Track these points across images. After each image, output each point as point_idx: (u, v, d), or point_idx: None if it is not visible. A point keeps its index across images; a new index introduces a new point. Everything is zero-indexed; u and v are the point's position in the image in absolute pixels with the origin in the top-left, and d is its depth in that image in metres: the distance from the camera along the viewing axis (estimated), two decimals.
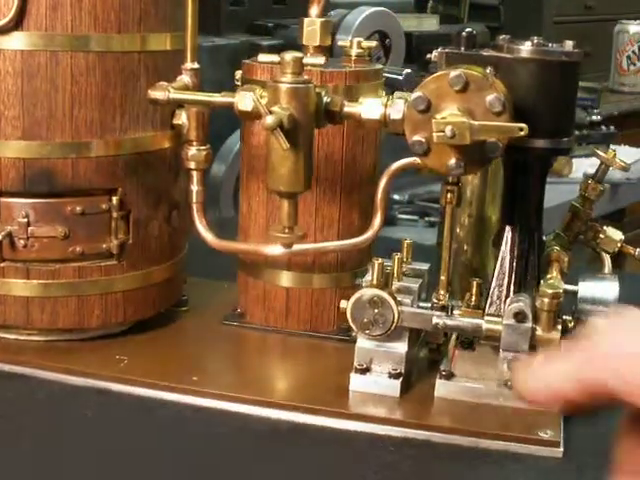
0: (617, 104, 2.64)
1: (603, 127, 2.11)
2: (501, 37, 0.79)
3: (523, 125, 0.67)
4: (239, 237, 0.92)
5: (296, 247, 0.85)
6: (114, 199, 0.82)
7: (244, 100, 0.72)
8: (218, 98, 0.76)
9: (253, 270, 0.91)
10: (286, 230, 0.74)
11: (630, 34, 2.82)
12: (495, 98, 0.69)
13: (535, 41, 0.77)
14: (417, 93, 0.70)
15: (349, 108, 0.73)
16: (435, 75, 0.71)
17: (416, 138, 0.71)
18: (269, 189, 0.74)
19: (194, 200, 0.84)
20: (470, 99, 0.70)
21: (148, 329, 0.88)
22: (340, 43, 0.89)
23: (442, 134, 0.68)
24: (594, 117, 2.06)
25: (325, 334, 0.89)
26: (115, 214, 0.82)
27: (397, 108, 0.72)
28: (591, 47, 2.33)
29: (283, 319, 0.90)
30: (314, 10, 0.87)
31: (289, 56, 0.70)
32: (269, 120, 0.66)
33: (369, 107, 0.73)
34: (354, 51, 0.87)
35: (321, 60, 0.78)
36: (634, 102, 2.74)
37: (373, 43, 0.89)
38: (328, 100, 0.73)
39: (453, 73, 0.70)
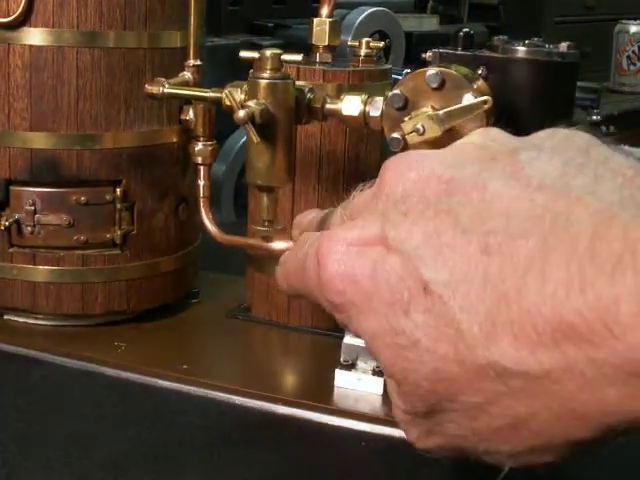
0: (617, 104, 2.57)
1: (603, 127, 2.06)
2: (496, 37, 0.79)
3: (487, 98, 0.67)
4: (248, 232, 0.93)
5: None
6: (118, 190, 0.85)
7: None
8: (209, 94, 0.78)
9: (259, 265, 0.92)
10: (266, 223, 0.75)
11: (630, 34, 2.76)
12: (471, 97, 0.69)
13: (531, 42, 0.77)
14: (395, 91, 0.71)
15: (330, 105, 0.74)
16: (413, 73, 0.71)
17: (394, 136, 0.71)
18: (248, 182, 0.75)
19: (201, 194, 0.86)
20: (447, 97, 0.70)
21: (153, 318, 0.91)
22: (350, 43, 0.90)
23: (414, 134, 0.68)
24: (594, 117, 2.01)
25: (326, 331, 0.90)
26: (119, 205, 0.85)
27: (376, 105, 0.73)
28: (591, 47, 2.27)
29: (285, 314, 0.91)
30: (325, 10, 0.88)
31: (268, 52, 0.71)
32: (240, 114, 0.68)
33: (349, 104, 0.74)
34: (363, 51, 0.88)
35: (298, 57, 0.79)
36: (634, 102, 2.68)
37: (381, 43, 0.89)
38: (311, 96, 0.74)
39: (430, 71, 0.70)
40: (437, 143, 0.70)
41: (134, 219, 0.87)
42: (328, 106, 0.74)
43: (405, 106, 0.71)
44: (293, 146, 0.73)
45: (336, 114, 0.74)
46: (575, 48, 0.77)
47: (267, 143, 0.71)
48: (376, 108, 0.72)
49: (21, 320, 0.88)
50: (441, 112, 0.67)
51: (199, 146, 0.84)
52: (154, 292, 0.90)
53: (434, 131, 0.67)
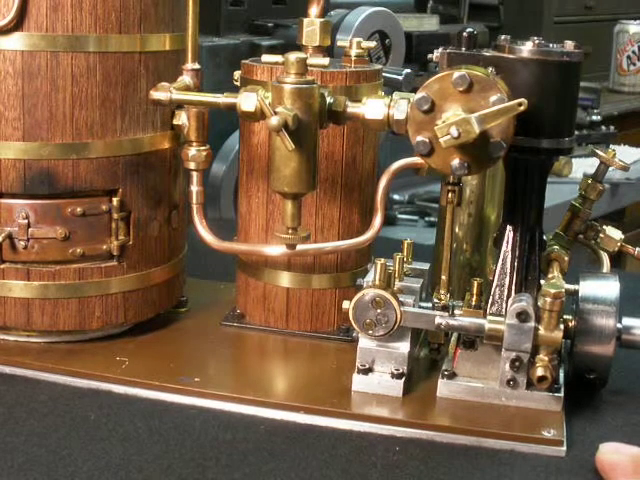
0: (617, 104, 2.63)
1: (603, 127, 2.11)
2: (502, 37, 0.79)
3: (522, 100, 0.67)
4: (238, 237, 0.92)
5: (297, 247, 0.85)
6: (114, 200, 0.82)
7: (248, 101, 0.72)
8: (221, 99, 0.76)
9: (253, 271, 0.91)
10: (290, 231, 0.74)
11: (630, 34, 2.82)
12: (499, 99, 0.69)
13: (536, 41, 0.77)
14: (421, 94, 0.70)
15: (352, 109, 0.73)
16: (439, 75, 0.70)
17: (420, 139, 0.71)
18: (273, 190, 0.74)
19: (194, 201, 0.84)
20: (474, 99, 0.70)
21: (148, 330, 0.88)
22: (340, 43, 0.89)
23: (448, 137, 0.68)
24: (594, 117, 2.06)
25: (325, 334, 0.90)
26: (116, 215, 0.82)
27: (400, 109, 0.72)
28: (591, 47, 2.32)
29: (283, 320, 0.90)
30: (313, 10, 0.87)
31: (293, 56, 0.70)
32: (274, 121, 0.66)
33: (372, 108, 0.73)
34: (354, 51, 0.87)
35: (325, 61, 0.78)
36: (634, 102, 2.75)
37: (372, 43, 0.89)
38: (331, 101, 0.73)
39: (457, 74, 0.70)
40: (463, 147, 0.70)
41: (130, 229, 0.84)
42: (350, 110, 0.73)
43: (432, 109, 0.70)
44: (318, 151, 0.72)
45: (358, 118, 0.73)
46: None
47: (295, 149, 0.69)
48: (401, 111, 0.72)
49: (12, 339, 0.84)
50: (477, 115, 0.67)
51: (192, 151, 0.82)
52: (149, 303, 0.87)
53: (470, 134, 0.67)
